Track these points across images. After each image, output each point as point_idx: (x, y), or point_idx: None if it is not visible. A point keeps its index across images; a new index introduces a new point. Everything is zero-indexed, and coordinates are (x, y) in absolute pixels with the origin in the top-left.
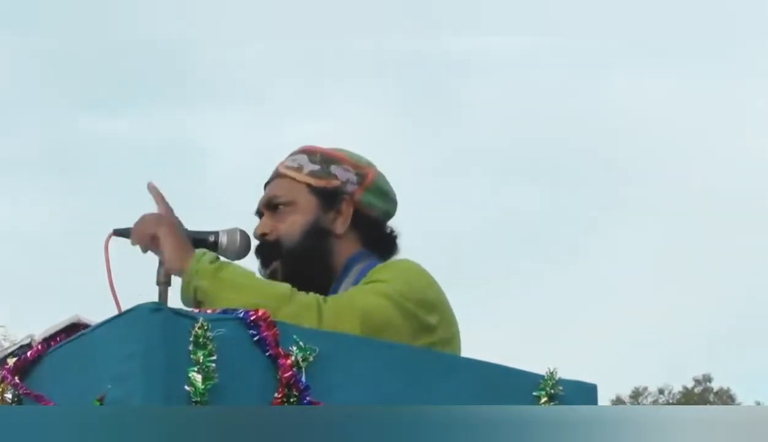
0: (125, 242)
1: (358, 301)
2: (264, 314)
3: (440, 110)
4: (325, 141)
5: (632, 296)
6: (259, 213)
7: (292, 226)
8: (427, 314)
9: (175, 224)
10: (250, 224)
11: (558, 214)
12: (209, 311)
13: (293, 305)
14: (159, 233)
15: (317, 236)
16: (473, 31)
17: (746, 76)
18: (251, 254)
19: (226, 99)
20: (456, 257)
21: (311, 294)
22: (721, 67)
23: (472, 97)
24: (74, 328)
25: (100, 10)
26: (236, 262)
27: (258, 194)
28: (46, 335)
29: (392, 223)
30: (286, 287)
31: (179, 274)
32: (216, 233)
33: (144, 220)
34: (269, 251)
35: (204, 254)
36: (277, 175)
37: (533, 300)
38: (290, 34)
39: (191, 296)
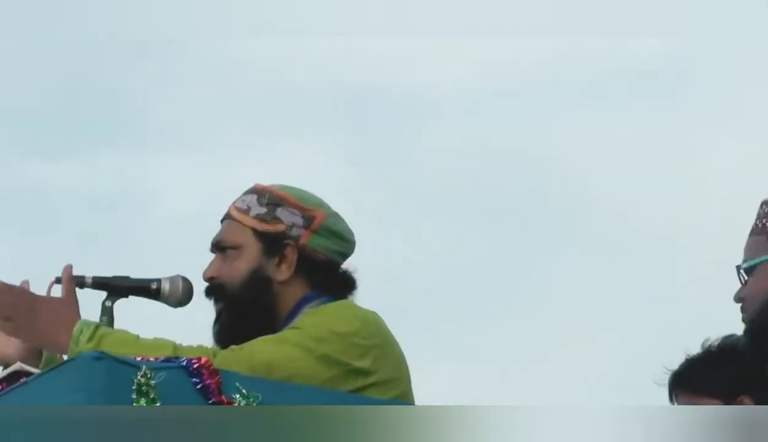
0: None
1: (259, 354)
2: (206, 362)
3: (388, 151)
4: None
5: (571, 340)
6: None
7: (235, 272)
8: (357, 358)
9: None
10: (195, 269)
11: (503, 260)
12: (151, 359)
13: None
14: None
15: (258, 285)
16: (420, 70)
17: (697, 120)
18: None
19: (172, 143)
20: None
21: (201, 347)
22: (673, 111)
23: (419, 138)
24: (16, 376)
25: (44, 54)
26: (178, 309)
27: (204, 239)
28: None
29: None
30: (169, 343)
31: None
32: (158, 281)
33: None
34: (215, 294)
35: (80, 333)
36: (227, 216)
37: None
38: (237, 77)
39: None
